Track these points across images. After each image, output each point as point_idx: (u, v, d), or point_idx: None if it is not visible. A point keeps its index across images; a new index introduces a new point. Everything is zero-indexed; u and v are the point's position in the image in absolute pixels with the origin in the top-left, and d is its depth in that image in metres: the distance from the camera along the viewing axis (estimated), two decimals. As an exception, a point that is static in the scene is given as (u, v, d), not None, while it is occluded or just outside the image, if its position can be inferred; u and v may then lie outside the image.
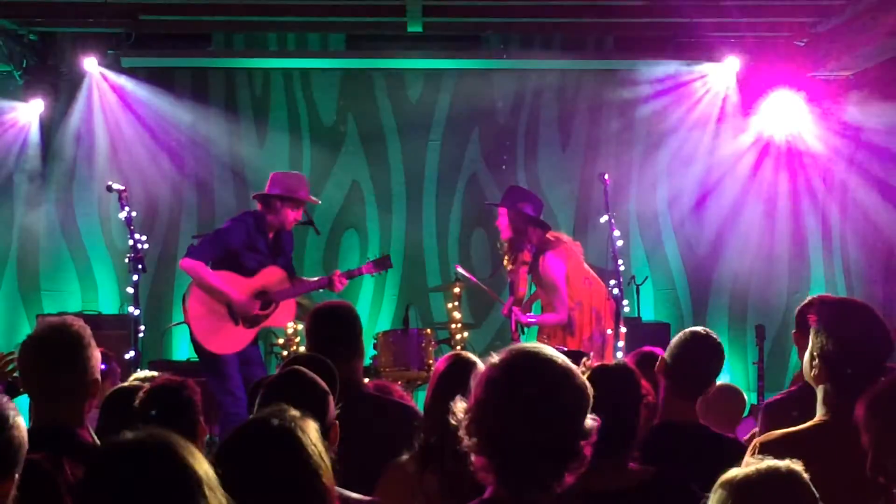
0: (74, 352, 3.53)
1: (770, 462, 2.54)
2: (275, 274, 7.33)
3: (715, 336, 4.36)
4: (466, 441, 2.53)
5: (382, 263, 7.72)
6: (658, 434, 4.11)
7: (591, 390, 2.57)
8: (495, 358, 2.57)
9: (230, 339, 7.20)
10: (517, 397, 2.48)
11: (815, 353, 3.39)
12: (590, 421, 2.54)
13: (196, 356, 7.47)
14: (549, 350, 2.59)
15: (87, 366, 3.54)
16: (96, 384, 3.59)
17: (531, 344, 2.62)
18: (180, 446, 2.04)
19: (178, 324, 8.03)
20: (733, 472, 2.53)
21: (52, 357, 3.51)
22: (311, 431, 2.57)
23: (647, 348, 4.87)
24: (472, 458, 2.53)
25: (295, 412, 2.61)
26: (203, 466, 2.04)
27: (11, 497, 2.46)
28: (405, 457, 3.63)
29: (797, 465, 2.53)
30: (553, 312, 7.23)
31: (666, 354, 4.30)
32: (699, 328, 4.41)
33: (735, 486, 2.50)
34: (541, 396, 2.48)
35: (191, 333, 7.27)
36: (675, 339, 4.32)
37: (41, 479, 2.78)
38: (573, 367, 2.58)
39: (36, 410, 3.53)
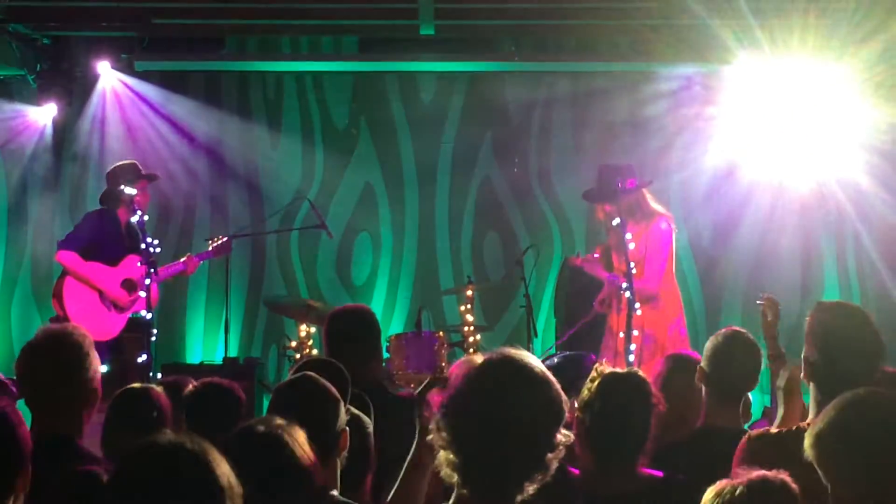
0: (74, 362, 3.48)
1: (761, 474, 2.53)
2: (136, 262, 7.69)
3: (748, 334, 4.38)
4: (435, 435, 2.51)
5: (224, 247, 8.38)
6: (699, 439, 4.13)
7: (567, 404, 2.53)
8: (479, 358, 2.55)
9: (106, 326, 7.62)
10: (487, 401, 2.46)
11: (804, 356, 3.51)
12: (561, 436, 2.49)
13: None
14: (530, 358, 2.55)
15: (87, 376, 3.50)
16: (96, 394, 3.56)
17: (516, 350, 2.57)
18: (210, 453, 2.04)
19: (53, 318, 8.21)
20: (725, 483, 2.52)
21: (51, 367, 3.46)
22: (299, 437, 2.57)
23: (681, 351, 4.92)
24: (441, 452, 2.50)
25: (281, 420, 2.61)
26: (229, 476, 2.05)
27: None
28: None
29: (785, 476, 2.52)
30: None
31: (703, 362, 4.29)
32: (732, 328, 4.42)
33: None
34: (511, 403, 2.45)
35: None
36: (708, 344, 4.33)
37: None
38: (551, 378, 2.53)
39: (36, 419, 3.47)
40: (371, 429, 3.66)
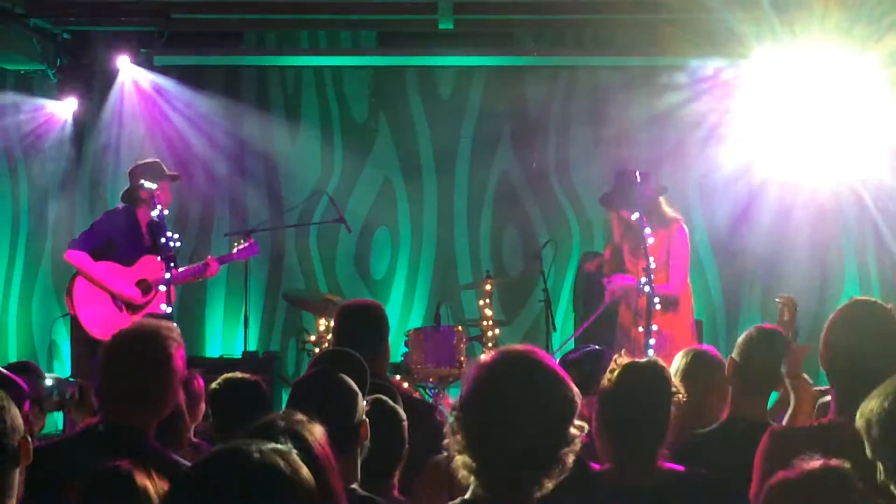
0: (163, 361, 3.52)
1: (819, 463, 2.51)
2: (153, 262, 7.60)
3: (781, 331, 4.50)
4: (450, 438, 2.52)
5: (248, 250, 8.18)
6: (725, 430, 4.22)
7: (579, 398, 2.53)
8: (487, 357, 2.55)
9: (117, 326, 7.41)
10: (499, 399, 2.46)
11: (821, 346, 3.55)
12: (574, 430, 2.50)
13: (76, 345, 7.93)
14: (539, 354, 2.56)
15: (167, 375, 3.53)
16: (175, 393, 3.60)
17: (523, 346, 2.59)
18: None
19: (65, 315, 8.26)
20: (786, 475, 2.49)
21: (131, 362, 3.50)
22: (317, 433, 2.57)
23: (698, 346, 5.00)
24: (455, 455, 2.51)
25: (300, 416, 2.60)
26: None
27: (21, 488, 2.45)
28: (442, 455, 3.64)
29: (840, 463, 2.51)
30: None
31: (734, 354, 4.38)
32: (765, 325, 4.56)
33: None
34: (522, 400, 2.45)
35: (77, 321, 7.59)
36: (742, 338, 4.41)
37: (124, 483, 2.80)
38: (561, 372, 2.54)
39: (112, 411, 3.51)
40: (405, 421, 3.68)
